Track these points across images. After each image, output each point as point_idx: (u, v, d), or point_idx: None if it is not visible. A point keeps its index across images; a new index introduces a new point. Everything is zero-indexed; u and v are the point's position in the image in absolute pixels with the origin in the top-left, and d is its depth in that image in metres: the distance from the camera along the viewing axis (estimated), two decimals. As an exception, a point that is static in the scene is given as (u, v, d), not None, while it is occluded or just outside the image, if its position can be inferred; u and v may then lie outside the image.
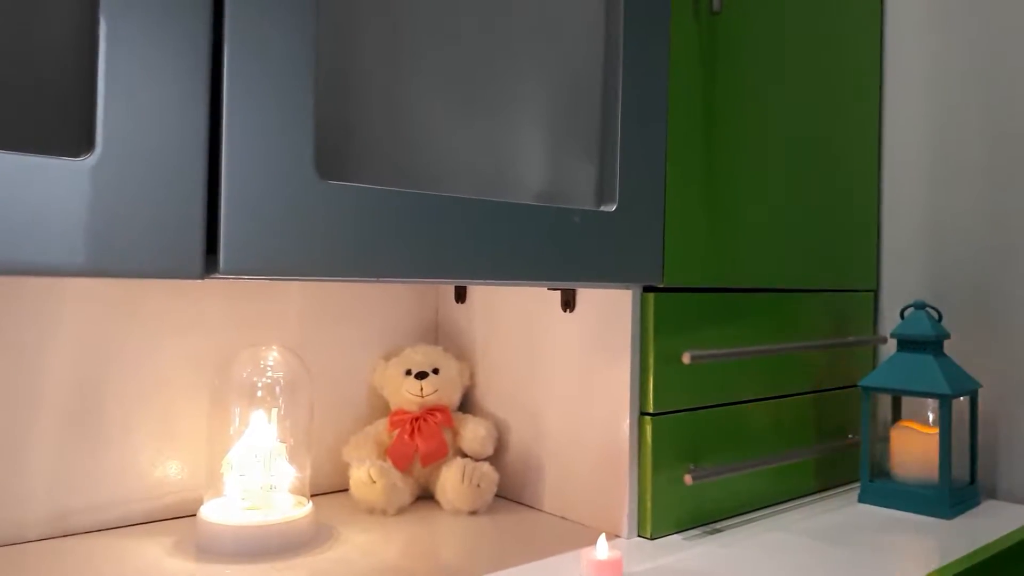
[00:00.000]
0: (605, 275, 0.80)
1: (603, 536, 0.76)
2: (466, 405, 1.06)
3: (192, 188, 0.55)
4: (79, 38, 0.52)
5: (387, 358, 1.05)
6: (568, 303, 0.92)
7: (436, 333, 1.12)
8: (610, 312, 0.88)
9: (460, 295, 1.09)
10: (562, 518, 0.94)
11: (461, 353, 1.07)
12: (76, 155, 0.51)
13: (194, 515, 0.88)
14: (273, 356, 0.88)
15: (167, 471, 0.90)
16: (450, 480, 0.94)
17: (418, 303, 1.11)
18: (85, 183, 0.51)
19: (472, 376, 1.06)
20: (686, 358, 0.86)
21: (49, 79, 0.52)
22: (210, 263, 0.57)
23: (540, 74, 0.76)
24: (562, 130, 0.79)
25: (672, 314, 0.87)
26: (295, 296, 1.00)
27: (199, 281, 0.92)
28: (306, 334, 1.01)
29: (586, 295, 0.91)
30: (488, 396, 1.04)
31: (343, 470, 1.01)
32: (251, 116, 0.57)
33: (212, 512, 0.82)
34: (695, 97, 0.90)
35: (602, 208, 0.79)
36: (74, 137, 0.52)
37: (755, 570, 0.78)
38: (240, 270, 0.57)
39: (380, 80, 0.66)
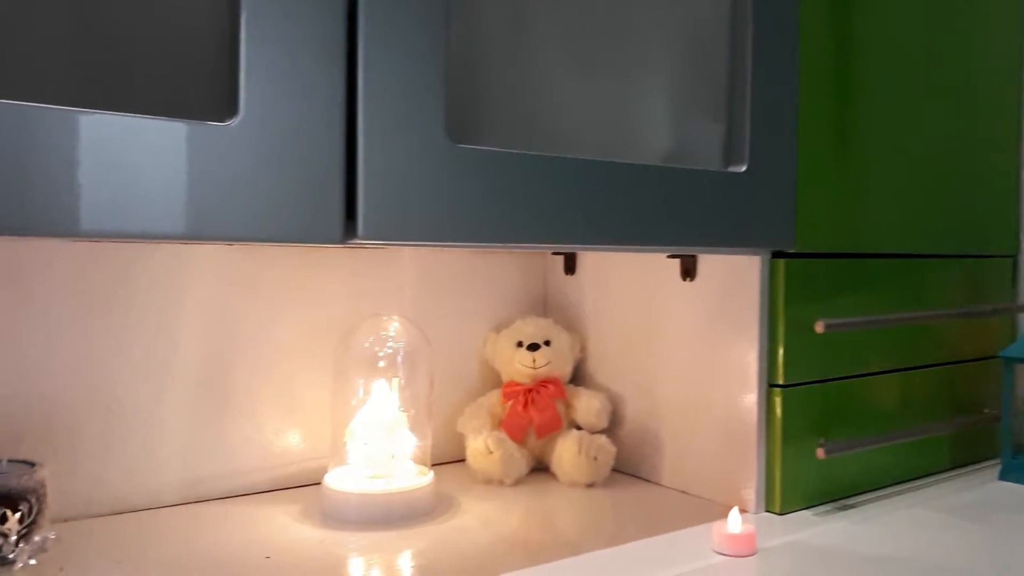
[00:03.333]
0: (732, 240, 0.77)
1: (735, 509, 0.73)
2: (577, 378, 1.04)
3: (331, 153, 0.55)
4: (222, 6, 0.52)
5: (497, 330, 1.05)
6: (688, 272, 0.89)
7: (544, 305, 1.11)
8: (735, 280, 0.85)
9: (570, 267, 1.07)
10: (682, 492, 0.91)
11: (571, 325, 1.05)
12: (220, 120, 0.51)
13: (317, 483, 0.89)
14: (394, 326, 0.88)
15: (291, 440, 0.92)
16: (567, 452, 0.93)
17: (526, 275, 1.10)
18: (229, 147, 0.51)
19: (583, 348, 1.04)
20: (819, 327, 0.82)
21: (193, 47, 0.52)
22: (348, 229, 0.56)
23: (665, 32, 0.73)
24: (688, 89, 0.75)
25: (803, 281, 0.83)
26: (407, 268, 1.00)
27: (317, 252, 0.93)
28: (418, 306, 1.00)
29: (708, 263, 0.88)
30: (600, 369, 1.03)
31: (457, 440, 1.01)
32: (386, 81, 0.56)
33: (337, 480, 0.83)
34: (826, 51, 0.85)
35: (730, 169, 0.76)
36: (218, 103, 0.52)
37: (896, 547, 0.74)
38: (377, 235, 0.57)
39: (505, 43, 0.65)
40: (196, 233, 0.51)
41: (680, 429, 0.92)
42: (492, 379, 1.05)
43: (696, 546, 0.74)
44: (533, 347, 0.99)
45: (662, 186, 0.70)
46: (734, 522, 0.72)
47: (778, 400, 0.82)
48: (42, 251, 0.78)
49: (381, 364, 0.87)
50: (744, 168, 0.76)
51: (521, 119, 0.65)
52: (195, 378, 0.86)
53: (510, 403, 0.99)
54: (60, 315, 0.79)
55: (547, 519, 0.85)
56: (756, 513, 0.83)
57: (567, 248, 0.68)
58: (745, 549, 0.72)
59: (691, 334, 0.90)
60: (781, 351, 0.82)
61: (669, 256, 0.90)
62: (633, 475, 0.98)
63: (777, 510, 0.83)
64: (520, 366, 0.99)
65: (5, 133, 0.45)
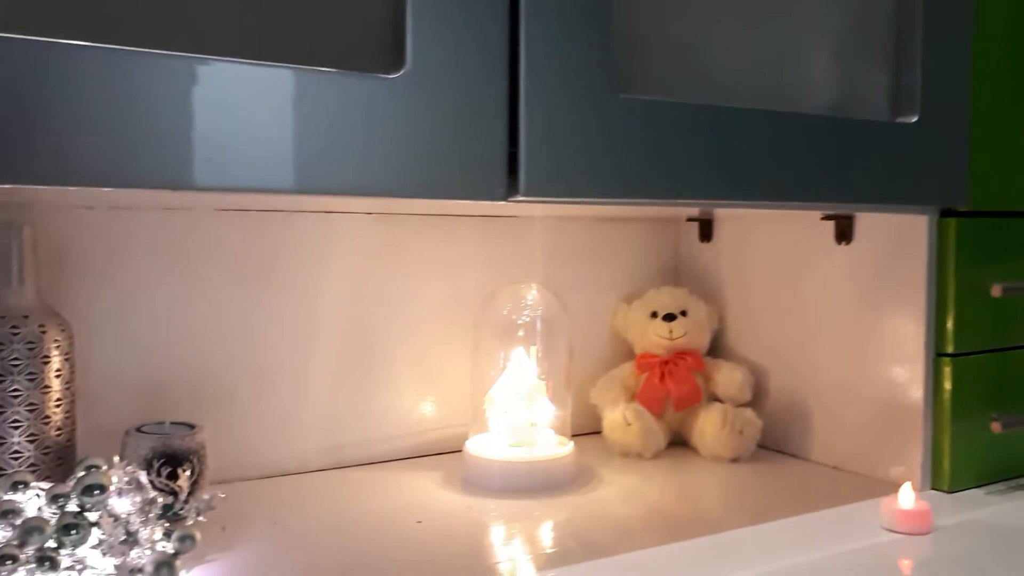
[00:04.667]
0: (900, 197, 0.71)
1: (908, 485, 0.68)
2: (713, 350, 1.00)
3: (494, 107, 0.53)
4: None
5: (628, 300, 1.02)
6: (844, 234, 0.84)
7: (676, 274, 1.07)
8: (897, 242, 0.79)
9: (705, 233, 1.03)
10: (834, 468, 0.86)
11: (707, 295, 1.01)
12: (387, 72, 0.50)
13: (455, 451, 0.89)
14: (532, 294, 0.87)
15: (429, 408, 0.92)
16: (709, 425, 0.90)
17: (658, 243, 1.06)
18: (394, 100, 0.50)
19: (721, 319, 1.00)
20: (996, 291, 0.75)
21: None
22: (510, 185, 0.54)
23: (827, -27, 0.68)
24: (853, 35, 0.70)
25: (976, 241, 0.77)
26: (538, 238, 0.98)
27: (452, 221, 0.92)
28: (549, 275, 0.98)
29: (867, 224, 0.82)
30: (741, 340, 0.98)
31: (589, 412, 0.98)
32: (549, 33, 0.54)
33: (479, 448, 0.82)
34: (1001, -8, 0.78)
35: (899, 120, 0.71)
36: (384, 55, 0.51)
37: (1092, 531, 0.67)
38: (539, 192, 0.55)
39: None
40: (360, 189, 0.51)
41: (832, 402, 0.87)
42: (623, 351, 1.02)
43: (863, 523, 0.70)
44: (669, 317, 0.96)
45: (829, 137, 0.66)
46: (906, 498, 0.68)
47: (947, 371, 0.76)
48: (193, 221, 0.80)
49: (519, 333, 0.86)
50: (915, 119, 0.70)
51: (682, 68, 0.62)
52: (338, 345, 0.87)
53: (645, 375, 0.96)
54: (212, 283, 0.81)
55: (690, 494, 0.82)
56: (922, 491, 0.78)
57: (728, 205, 0.65)
58: (919, 527, 0.67)
59: (846, 301, 0.84)
60: (951, 318, 0.76)
61: (824, 218, 0.85)
62: (777, 450, 0.93)
63: (945, 488, 0.77)
64: (655, 337, 0.96)
65: (175, 87, 0.45)
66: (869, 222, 0.82)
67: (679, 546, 0.66)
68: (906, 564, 0.64)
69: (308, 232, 0.85)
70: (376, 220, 0.89)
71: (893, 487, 0.70)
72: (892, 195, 0.70)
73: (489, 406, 0.84)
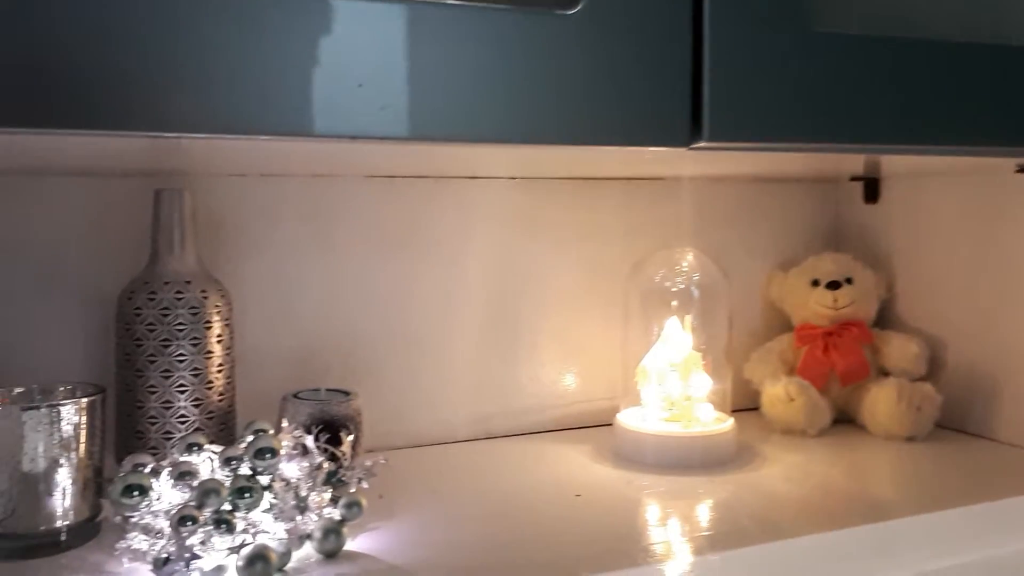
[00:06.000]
0: None
1: None
2: (880, 320, 0.92)
3: (676, 45, 0.48)
4: None
5: (784, 268, 0.95)
6: (1046, 188, 0.75)
7: (836, 239, 0.99)
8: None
9: (871, 193, 0.95)
10: (1026, 450, 0.78)
11: (873, 261, 0.93)
12: (561, 8, 0.47)
13: (599, 425, 0.86)
14: (688, 259, 0.82)
15: (575, 380, 0.88)
16: (883, 401, 0.82)
17: (816, 206, 0.99)
18: (567, 39, 0.47)
19: (890, 287, 0.92)
20: None
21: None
22: (693, 131, 0.50)
23: None
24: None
25: None
26: (686, 201, 0.93)
27: (594, 186, 0.88)
28: (697, 242, 0.93)
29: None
30: (913, 310, 0.90)
31: (742, 387, 0.93)
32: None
33: (631, 421, 0.78)
34: None
35: None
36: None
37: None
38: (724, 136, 0.50)
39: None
40: (531, 137, 0.47)
41: (1026, 376, 0.78)
42: (777, 321, 0.96)
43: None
44: (833, 285, 0.89)
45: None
46: None
47: None
48: (341, 188, 0.79)
49: (673, 302, 0.81)
50: None
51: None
52: (482, 314, 0.85)
53: (805, 348, 0.89)
54: (359, 250, 0.80)
55: (860, 475, 0.76)
56: None
57: (930, 151, 0.58)
58: None
59: (1046, 264, 0.75)
60: None
61: (1018, 170, 0.76)
62: (956, 429, 0.85)
63: None
64: (817, 307, 0.89)
65: (351, 32, 0.43)
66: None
67: (848, 532, 0.60)
68: None
69: (453, 198, 0.83)
70: (518, 185, 0.86)
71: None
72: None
73: (641, 378, 0.80)
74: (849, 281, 0.89)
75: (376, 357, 0.80)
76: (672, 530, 0.62)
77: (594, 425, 0.87)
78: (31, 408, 0.55)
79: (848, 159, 0.77)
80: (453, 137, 0.45)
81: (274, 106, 0.42)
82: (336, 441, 0.60)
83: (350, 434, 0.64)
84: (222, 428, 0.67)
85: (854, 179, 0.95)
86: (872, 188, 0.94)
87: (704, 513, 0.66)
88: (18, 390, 0.60)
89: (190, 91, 0.40)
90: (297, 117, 0.42)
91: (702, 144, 0.50)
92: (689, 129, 0.49)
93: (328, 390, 0.71)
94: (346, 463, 0.60)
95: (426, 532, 0.60)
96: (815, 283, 0.90)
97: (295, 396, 0.68)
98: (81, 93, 0.39)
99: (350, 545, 0.56)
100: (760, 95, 0.50)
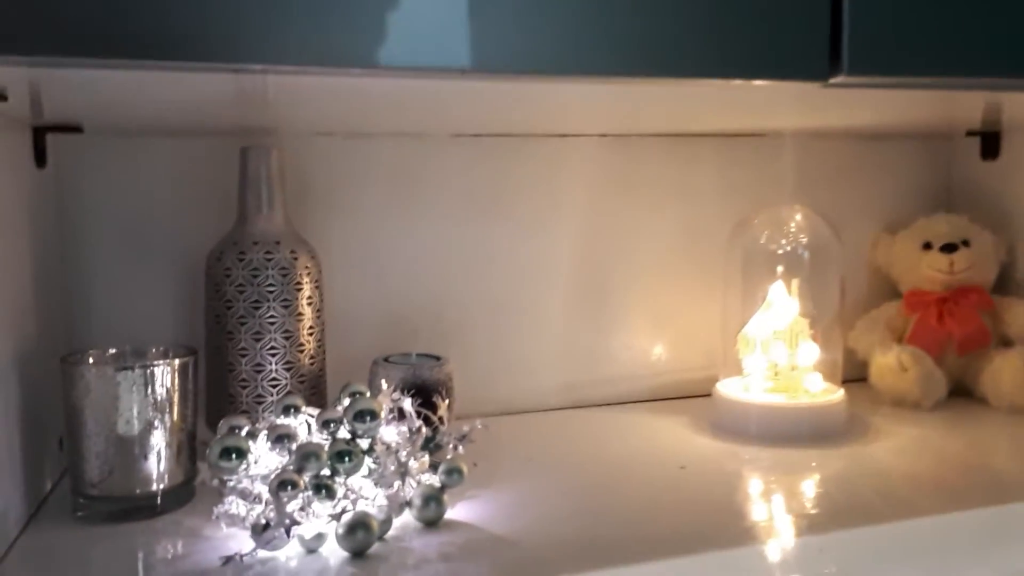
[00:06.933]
0: None
1: None
2: (1000, 286, 0.85)
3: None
4: None
5: (892, 231, 0.89)
6: None
7: (949, 199, 0.92)
8: None
9: (990, 149, 0.87)
10: None
11: (992, 222, 0.86)
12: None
13: (694, 395, 0.82)
14: (796, 219, 0.77)
15: (668, 349, 0.84)
16: (1007, 371, 0.76)
17: (927, 163, 0.92)
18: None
19: (1010, 251, 0.85)
20: None
21: None
22: (831, 65, 0.45)
23: None
24: None
25: None
26: (786, 160, 0.87)
27: (688, 143, 0.83)
28: (799, 202, 0.87)
29: None
30: (1037, 273, 0.83)
31: (847, 357, 0.87)
32: None
33: (733, 391, 0.74)
34: None
35: None
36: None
37: None
38: (865, 70, 0.45)
39: None
40: (655, 69, 0.43)
41: None
42: (884, 288, 0.90)
43: None
44: (949, 248, 0.83)
45: None
46: None
47: None
48: (428, 148, 0.76)
49: (779, 266, 0.76)
50: None
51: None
52: (572, 279, 0.81)
53: (917, 315, 0.83)
54: (446, 212, 0.77)
55: (981, 450, 0.70)
56: None
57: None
58: None
59: None
60: None
61: None
62: (1088, 404, 0.78)
63: None
64: (931, 271, 0.83)
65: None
66: None
67: (973, 514, 0.55)
68: None
69: (542, 159, 0.79)
70: (609, 143, 0.81)
71: None
72: None
73: (743, 347, 0.76)
74: (966, 243, 0.83)
75: (464, 322, 0.78)
76: (791, 504, 0.58)
77: (689, 396, 0.83)
78: (125, 368, 0.53)
79: (966, 111, 0.71)
80: (566, 71, 0.41)
81: (365, 37, 0.39)
82: (430, 406, 0.58)
83: (444, 399, 0.62)
84: (313, 392, 0.65)
85: (971, 134, 0.88)
86: (992, 143, 0.87)
87: (821, 487, 0.61)
88: (111, 351, 0.59)
89: (275, 22, 0.38)
90: (389, 49, 0.39)
91: (840, 79, 0.45)
92: (827, 62, 0.44)
93: (419, 355, 0.68)
94: (443, 428, 0.57)
95: (527, 502, 0.57)
96: (927, 246, 0.84)
97: (386, 360, 0.66)
98: (163, 26, 0.36)
99: (450, 514, 0.53)
100: (901, 24, 0.45)
